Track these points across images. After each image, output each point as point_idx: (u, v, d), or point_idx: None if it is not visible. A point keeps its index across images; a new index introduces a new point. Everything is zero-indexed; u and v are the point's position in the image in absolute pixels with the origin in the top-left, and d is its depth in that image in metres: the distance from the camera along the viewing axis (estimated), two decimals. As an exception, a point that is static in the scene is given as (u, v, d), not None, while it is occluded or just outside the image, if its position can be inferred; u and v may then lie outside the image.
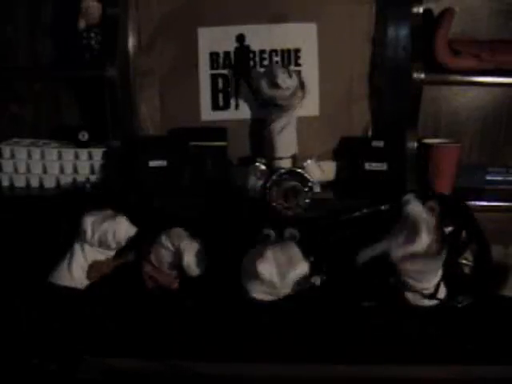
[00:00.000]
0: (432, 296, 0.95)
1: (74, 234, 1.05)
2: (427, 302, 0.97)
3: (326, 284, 1.00)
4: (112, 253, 1.05)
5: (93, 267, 1.03)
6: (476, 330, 0.92)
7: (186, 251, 1.00)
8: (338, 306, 0.97)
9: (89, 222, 1.03)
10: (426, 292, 0.96)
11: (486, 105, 1.47)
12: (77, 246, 1.04)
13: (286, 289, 0.95)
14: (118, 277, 1.04)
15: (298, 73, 1.30)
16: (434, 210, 0.97)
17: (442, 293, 0.97)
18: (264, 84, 1.19)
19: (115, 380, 0.85)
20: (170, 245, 1.02)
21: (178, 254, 1.01)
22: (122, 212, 1.05)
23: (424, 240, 0.92)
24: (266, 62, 1.36)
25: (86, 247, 1.04)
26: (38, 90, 1.51)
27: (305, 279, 0.97)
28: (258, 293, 0.96)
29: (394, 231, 0.96)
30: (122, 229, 1.03)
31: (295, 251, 0.98)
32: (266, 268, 0.92)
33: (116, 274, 1.04)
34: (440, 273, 0.95)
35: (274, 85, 1.17)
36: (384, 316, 0.95)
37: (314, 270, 0.99)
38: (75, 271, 1.03)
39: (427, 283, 0.95)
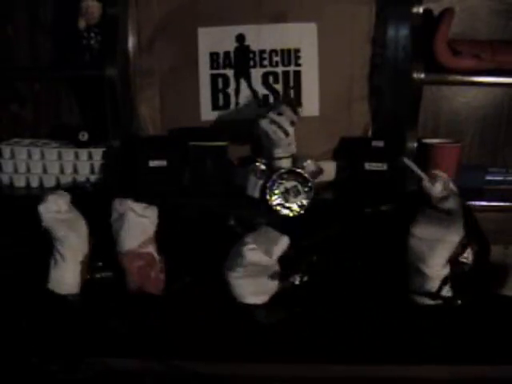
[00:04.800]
0: (436, 295, 0.95)
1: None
2: (430, 302, 0.96)
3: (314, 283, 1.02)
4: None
5: (82, 266, 1.02)
6: (476, 330, 0.92)
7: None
8: (337, 303, 0.98)
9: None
10: (429, 274, 0.95)
11: (485, 105, 1.47)
12: (58, 257, 1.01)
13: (274, 267, 0.96)
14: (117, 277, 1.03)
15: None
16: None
17: (447, 293, 0.97)
18: (263, 137, 1.19)
19: (115, 380, 0.85)
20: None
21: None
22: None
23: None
24: (265, 62, 1.36)
25: (67, 253, 1.00)
26: (37, 90, 1.51)
27: (285, 276, 0.99)
28: (248, 296, 0.98)
29: None
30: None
31: (269, 230, 1.00)
32: (252, 252, 0.94)
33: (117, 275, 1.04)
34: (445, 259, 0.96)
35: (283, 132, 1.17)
36: (384, 316, 0.95)
37: (294, 269, 1.01)
38: (67, 279, 1.01)
39: (431, 267, 0.95)
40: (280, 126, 1.15)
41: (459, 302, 0.97)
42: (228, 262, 0.98)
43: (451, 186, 1.02)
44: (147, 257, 1.01)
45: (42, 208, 0.99)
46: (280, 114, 1.16)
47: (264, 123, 1.16)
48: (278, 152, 1.19)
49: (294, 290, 1.01)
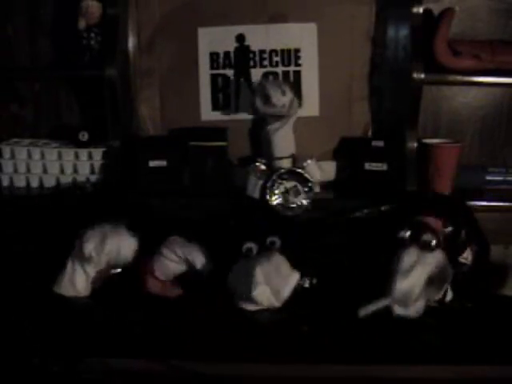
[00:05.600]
0: (440, 302, 0.95)
1: (72, 241, 1.02)
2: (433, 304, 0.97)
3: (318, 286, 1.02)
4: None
5: (96, 277, 1.02)
6: (476, 330, 0.92)
7: (196, 259, 1.00)
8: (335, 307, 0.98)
9: (91, 247, 0.99)
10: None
11: (485, 105, 1.47)
12: (78, 265, 1.01)
13: (281, 301, 0.97)
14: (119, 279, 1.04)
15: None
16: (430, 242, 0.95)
17: (449, 296, 0.97)
18: (258, 101, 1.18)
19: (115, 380, 0.85)
20: (173, 256, 1.02)
21: (185, 263, 1.02)
22: (119, 214, 1.04)
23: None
24: (265, 62, 1.36)
25: (89, 267, 1.01)
26: (37, 90, 1.51)
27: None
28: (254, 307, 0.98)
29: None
30: (126, 245, 1.00)
31: (282, 262, 0.98)
32: (261, 293, 0.95)
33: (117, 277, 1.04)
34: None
35: (269, 103, 1.17)
36: (385, 316, 0.94)
37: (303, 272, 1.00)
38: (79, 284, 1.01)
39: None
40: (279, 85, 1.17)
41: (463, 304, 0.96)
42: (233, 283, 0.99)
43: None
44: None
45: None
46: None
47: (263, 81, 1.20)
48: (279, 152, 1.19)
49: (303, 293, 1.01)
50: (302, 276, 1.01)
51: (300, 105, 1.26)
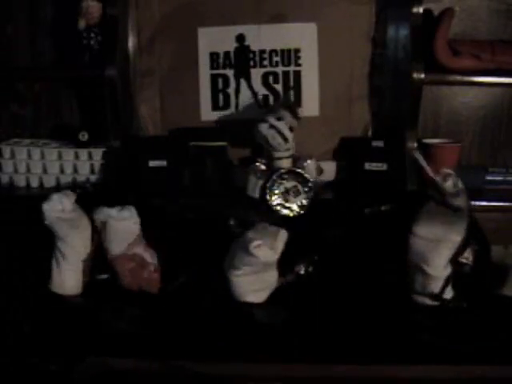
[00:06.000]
0: (438, 297, 0.95)
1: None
2: (431, 302, 0.96)
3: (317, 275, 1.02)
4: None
5: (84, 267, 1.02)
6: (476, 330, 0.92)
7: None
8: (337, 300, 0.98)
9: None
10: (432, 274, 0.95)
11: (485, 105, 1.47)
12: (59, 256, 1.00)
13: (275, 262, 0.97)
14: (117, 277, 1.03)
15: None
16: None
17: (449, 294, 0.96)
18: (262, 141, 1.19)
19: (115, 380, 0.85)
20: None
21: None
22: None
23: None
24: (265, 62, 1.36)
25: (68, 252, 1.00)
26: (37, 90, 1.51)
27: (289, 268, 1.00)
28: (249, 294, 0.97)
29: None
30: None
31: (267, 226, 0.99)
32: (259, 249, 0.93)
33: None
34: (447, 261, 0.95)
35: (275, 150, 1.18)
36: (385, 315, 0.95)
37: (299, 259, 1.01)
38: (68, 279, 1.00)
39: (433, 268, 0.95)
40: (279, 132, 1.15)
41: (464, 304, 0.96)
42: (229, 260, 0.98)
43: (460, 183, 1.01)
44: (137, 258, 1.00)
45: (45, 206, 0.98)
46: (279, 118, 1.16)
47: (263, 128, 1.16)
48: (279, 152, 1.19)
49: (298, 282, 1.01)
50: (298, 263, 1.01)
51: (300, 105, 1.26)
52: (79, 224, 1.01)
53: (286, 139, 1.15)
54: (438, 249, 0.95)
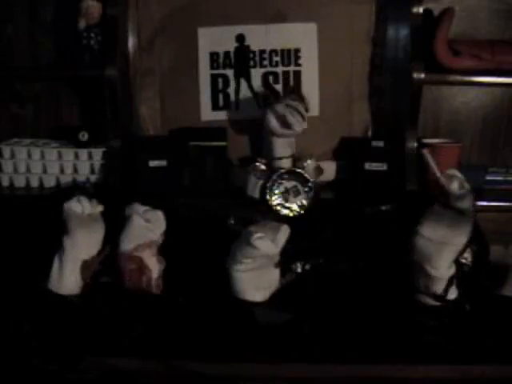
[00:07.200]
0: (441, 298, 0.95)
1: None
2: (434, 303, 0.96)
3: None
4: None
5: (83, 267, 1.01)
6: (475, 330, 0.92)
7: None
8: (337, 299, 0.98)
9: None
10: (436, 275, 0.95)
11: (485, 105, 1.47)
12: (62, 254, 1.00)
13: (277, 258, 0.96)
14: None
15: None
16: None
17: (453, 294, 0.96)
18: (274, 123, 1.17)
19: (115, 380, 0.85)
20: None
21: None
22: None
23: None
24: (265, 62, 1.36)
25: (71, 250, 0.99)
26: (37, 90, 1.51)
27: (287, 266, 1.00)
28: (249, 291, 0.97)
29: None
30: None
31: (269, 221, 0.99)
32: (261, 241, 0.92)
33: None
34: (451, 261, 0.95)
35: (288, 127, 1.16)
36: (386, 315, 0.94)
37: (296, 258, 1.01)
38: (67, 279, 1.00)
39: (437, 269, 0.95)
40: (296, 109, 1.15)
41: (468, 307, 0.96)
42: (231, 255, 0.97)
43: (466, 184, 1.00)
44: (138, 261, 0.99)
45: (66, 204, 0.99)
46: (294, 100, 1.16)
47: (280, 108, 1.15)
48: (279, 152, 1.19)
49: (296, 281, 1.01)
50: (295, 261, 1.01)
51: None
52: (92, 225, 1.00)
53: (303, 117, 1.15)
54: (442, 250, 0.94)
